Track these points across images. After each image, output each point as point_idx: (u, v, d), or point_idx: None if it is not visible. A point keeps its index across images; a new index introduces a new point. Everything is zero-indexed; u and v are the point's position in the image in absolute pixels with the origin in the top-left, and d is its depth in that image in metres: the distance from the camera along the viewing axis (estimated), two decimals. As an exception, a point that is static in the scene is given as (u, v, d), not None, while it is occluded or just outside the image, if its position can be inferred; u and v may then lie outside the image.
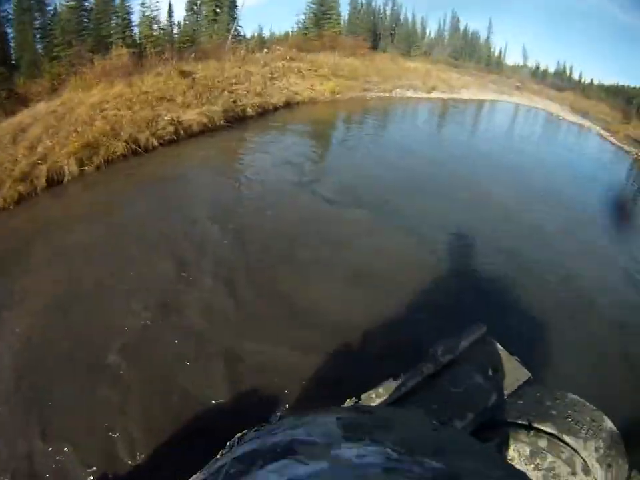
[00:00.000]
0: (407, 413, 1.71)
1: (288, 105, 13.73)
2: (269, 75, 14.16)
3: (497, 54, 57.22)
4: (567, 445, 1.60)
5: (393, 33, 44.68)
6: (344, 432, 0.72)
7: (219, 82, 11.60)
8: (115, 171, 6.93)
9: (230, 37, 19.65)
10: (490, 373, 1.92)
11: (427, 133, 13.90)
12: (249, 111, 11.17)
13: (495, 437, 1.72)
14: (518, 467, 1.55)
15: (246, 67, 13.83)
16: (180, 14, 26.06)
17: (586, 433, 1.64)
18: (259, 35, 30.22)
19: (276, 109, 12.75)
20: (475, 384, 1.87)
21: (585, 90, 59.98)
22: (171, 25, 25.35)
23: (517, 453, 1.64)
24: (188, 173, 6.93)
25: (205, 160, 7.63)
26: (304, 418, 0.89)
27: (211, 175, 7.11)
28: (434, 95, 23.48)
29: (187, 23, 25.82)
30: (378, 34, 42.52)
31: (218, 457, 1.01)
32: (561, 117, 29.27)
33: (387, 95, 20.11)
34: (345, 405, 1.80)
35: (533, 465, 1.60)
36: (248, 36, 30.16)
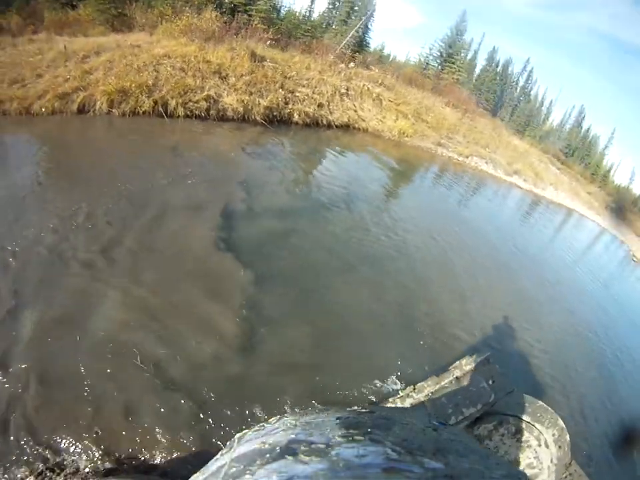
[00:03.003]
0: (407, 413, 2.46)
1: (346, 127, 13.33)
2: (343, 91, 13.82)
3: (607, 167, 51.23)
4: (536, 428, 2.62)
5: (517, 105, 41.99)
6: (344, 432, 0.71)
7: (284, 77, 11.45)
8: (136, 123, 7.65)
9: (344, 41, 20.04)
10: (490, 382, 2.96)
11: (477, 228, 10.89)
12: (296, 117, 11.15)
13: (494, 420, 2.76)
14: (506, 440, 2.66)
15: (326, 75, 13.61)
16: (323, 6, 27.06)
17: (547, 423, 2.63)
18: (380, 51, 30.54)
19: (330, 126, 12.39)
20: (482, 386, 2.90)
21: (687, 241, 50.96)
22: (309, 13, 26.66)
23: (507, 430, 2.71)
24: (196, 156, 7.29)
25: (224, 151, 7.87)
26: (304, 418, 0.90)
27: (215, 168, 7.23)
28: (512, 179, 20.79)
29: (325, 15, 26.98)
30: (503, 101, 40.29)
31: (218, 456, 1.00)
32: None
33: (461, 159, 18.24)
34: (406, 390, 2.93)
35: (515, 439, 2.68)
36: (373, 48, 30.60)
